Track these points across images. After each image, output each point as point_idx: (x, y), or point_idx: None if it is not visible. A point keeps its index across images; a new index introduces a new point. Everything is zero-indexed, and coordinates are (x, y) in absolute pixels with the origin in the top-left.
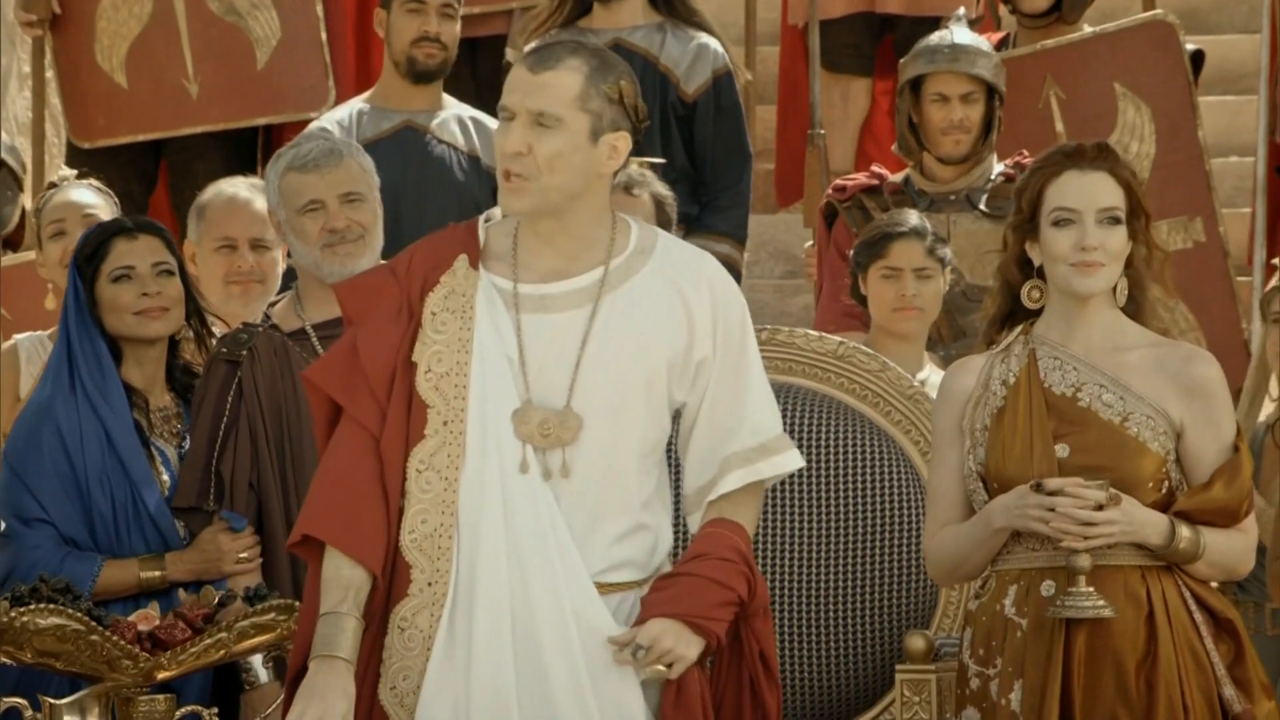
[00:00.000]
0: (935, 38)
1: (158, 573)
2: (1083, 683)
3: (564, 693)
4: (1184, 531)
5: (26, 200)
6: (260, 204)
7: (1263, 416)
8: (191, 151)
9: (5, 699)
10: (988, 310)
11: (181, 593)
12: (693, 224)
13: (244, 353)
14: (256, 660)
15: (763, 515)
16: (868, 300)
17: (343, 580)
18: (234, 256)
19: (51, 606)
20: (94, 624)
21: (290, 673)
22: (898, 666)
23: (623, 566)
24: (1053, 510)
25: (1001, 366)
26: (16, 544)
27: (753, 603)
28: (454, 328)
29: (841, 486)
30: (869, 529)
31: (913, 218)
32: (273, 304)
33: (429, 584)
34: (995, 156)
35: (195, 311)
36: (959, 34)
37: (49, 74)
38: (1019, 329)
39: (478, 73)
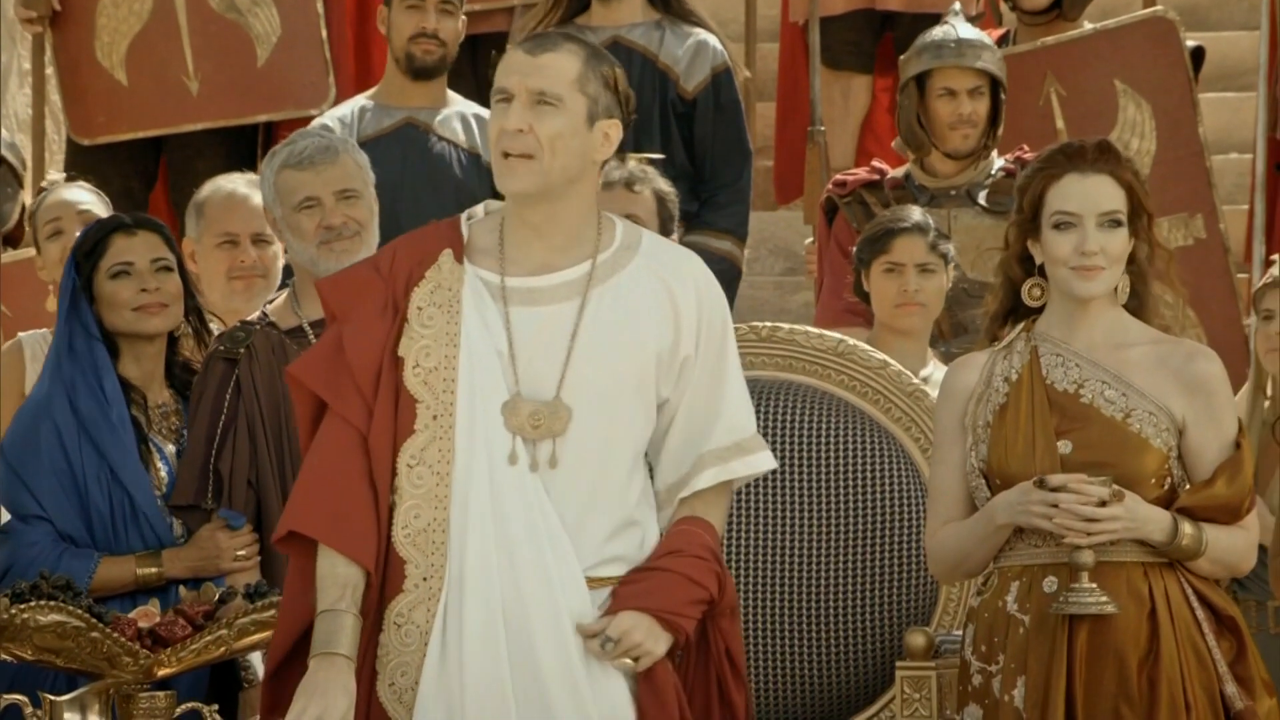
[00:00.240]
0: (939, 33)
1: (154, 570)
2: (1084, 679)
3: (558, 686)
4: (1186, 528)
5: (26, 197)
6: (259, 199)
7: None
8: (191, 149)
9: (5, 696)
10: (989, 307)
11: (182, 590)
12: (693, 221)
13: (242, 350)
14: (256, 657)
15: (763, 513)
16: (870, 296)
17: (339, 578)
18: (236, 251)
19: (52, 603)
20: (94, 621)
21: (269, 667)
22: (898, 663)
23: (614, 561)
24: (1056, 506)
25: (1004, 363)
26: (14, 541)
27: (721, 602)
28: (441, 322)
29: (841, 484)
30: (869, 526)
31: (915, 213)
32: (269, 301)
33: (424, 579)
34: (996, 151)
35: (194, 308)
36: (962, 28)
37: (49, 71)
38: (1021, 326)
39: (479, 70)
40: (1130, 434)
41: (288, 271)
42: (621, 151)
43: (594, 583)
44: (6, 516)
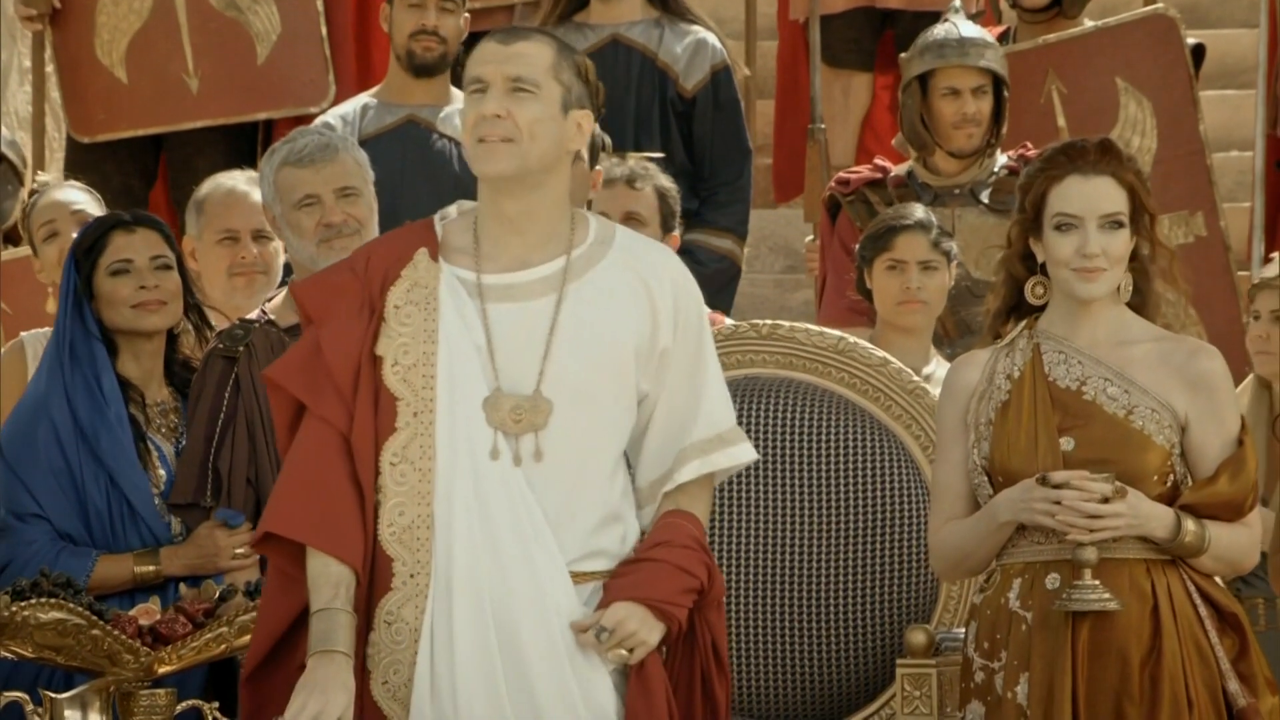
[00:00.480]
0: (940, 31)
1: (152, 568)
2: (1087, 676)
3: (545, 680)
4: (1189, 525)
5: (26, 195)
6: (259, 196)
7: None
8: (191, 146)
9: (6, 693)
10: (991, 304)
11: (182, 587)
12: (693, 219)
13: (241, 348)
14: None
15: (763, 511)
16: (872, 294)
17: (331, 577)
18: (237, 248)
19: (52, 601)
20: (95, 618)
21: (246, 670)
22: (898, 661)
23: (598, 555)
24: (1059, 504)
25: (1006, 361)
26: (12, 539)
27: (711, 592)
28: (418, 320)
29: (842, 481)
30: (869, 524)
31: (918, 210)
32: (269, 299)
33: (411, 576)
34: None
35: (193, 306)
36: (964, 27)
37: (49, 69)
38: (1023, 323)
39: None
40: (1133, 431)
41: (287, 269)
42: (622, 150)
43: (578, 577)
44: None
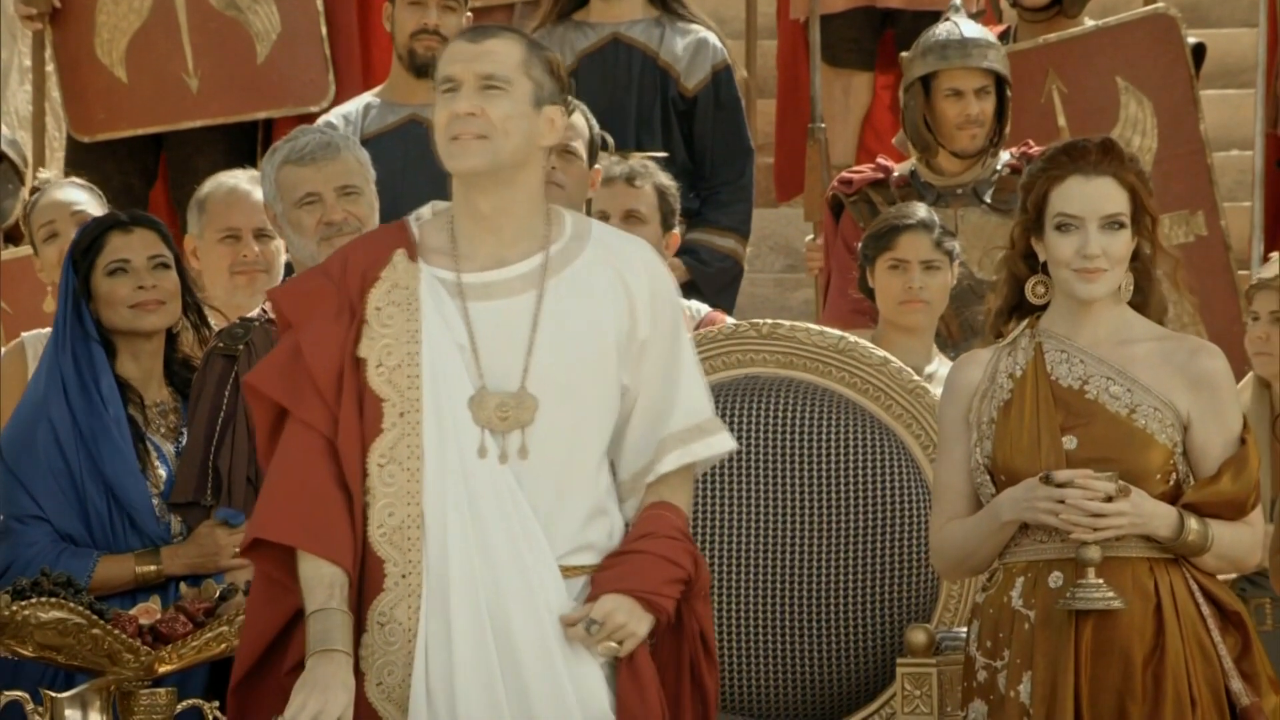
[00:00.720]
0: (942, 32)
1: (153, 567)
2: (1089, 675)
3: (538, 676)
4: (1192, 524)
5: (27, 194)
6: (260, 195)
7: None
8: (191, 146)
9: (6, 693)
10: (993, 303)
11: (183, 586)
12: (695, 219)
13: (240, 347)
14: None
15: (764, 510)
16: (875, 293)
17: (324, 578)
18: (239, 246)
19: (53, 600)
20: (95, 618)
21: (235, 678)
22: (899, 660)
23: (587, 550)
24: (1062, 502)
25: (1008, 359)
26: (13, 541)
27: (697, 582)
28: (400, 320)
29: (842, 481)
30: (870, 523)
31: (920, 210)
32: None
33: (403, 576)
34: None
35: (193, 305)
36: (966, 27)
37: (49, 68)
38: (1025, 322)
39: None
40: (1135, 430)
41: (288, 268)
42: (624, 150)
43: (568, 571)
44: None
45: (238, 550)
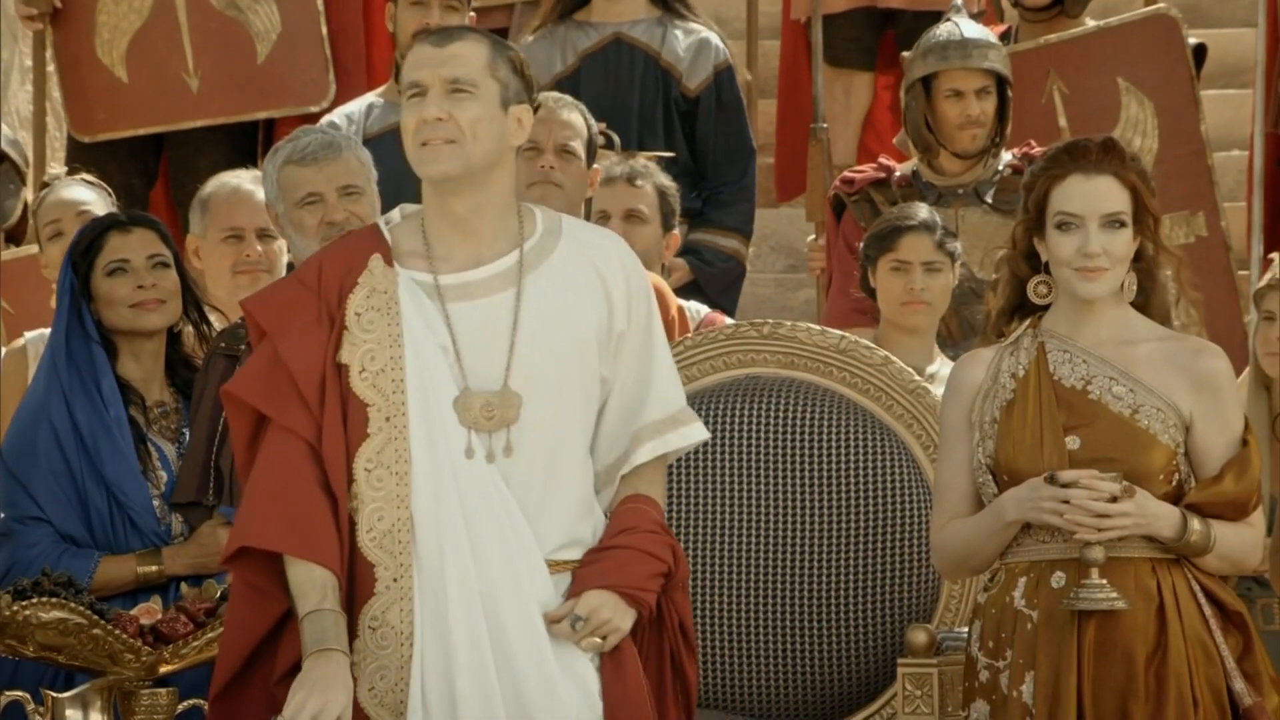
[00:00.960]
0: (943, 32)
1: (155, 568)
2: (1092, 675)
3: (531, 674)
4: (1195, 524)
5: (28, 194)
6: (262, 195)
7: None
8: (192, 146)
9: (7, 693)
10: (996, 303)
11: (184, 586)
12: (697, 219)
13: (242, 347)
14: None
15: (765, 510)
16: (876, 293)
17: (316, 581)
18: (242, 246)
19: (54, 600)
20: (96, 618)
21: (215, 688)
22: (900, 660)
23: (575, 545)
24: (1067, 503)
25: (1010, 359)
26: (14, 542)
27: (676, 574)
28: (382, 325)
29: (843, 481)
30: (871, 523)
31: (922, 211)
32: None
33: (394, 580)
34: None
35: (193, 304)
36: (967, 27)
37: (50, 68)
38: (1027, 322)
39: None
40: (1138, 430)
41: (290, 268)
42: (626, 149)
43: (558, 566)
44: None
45: (220, 559)
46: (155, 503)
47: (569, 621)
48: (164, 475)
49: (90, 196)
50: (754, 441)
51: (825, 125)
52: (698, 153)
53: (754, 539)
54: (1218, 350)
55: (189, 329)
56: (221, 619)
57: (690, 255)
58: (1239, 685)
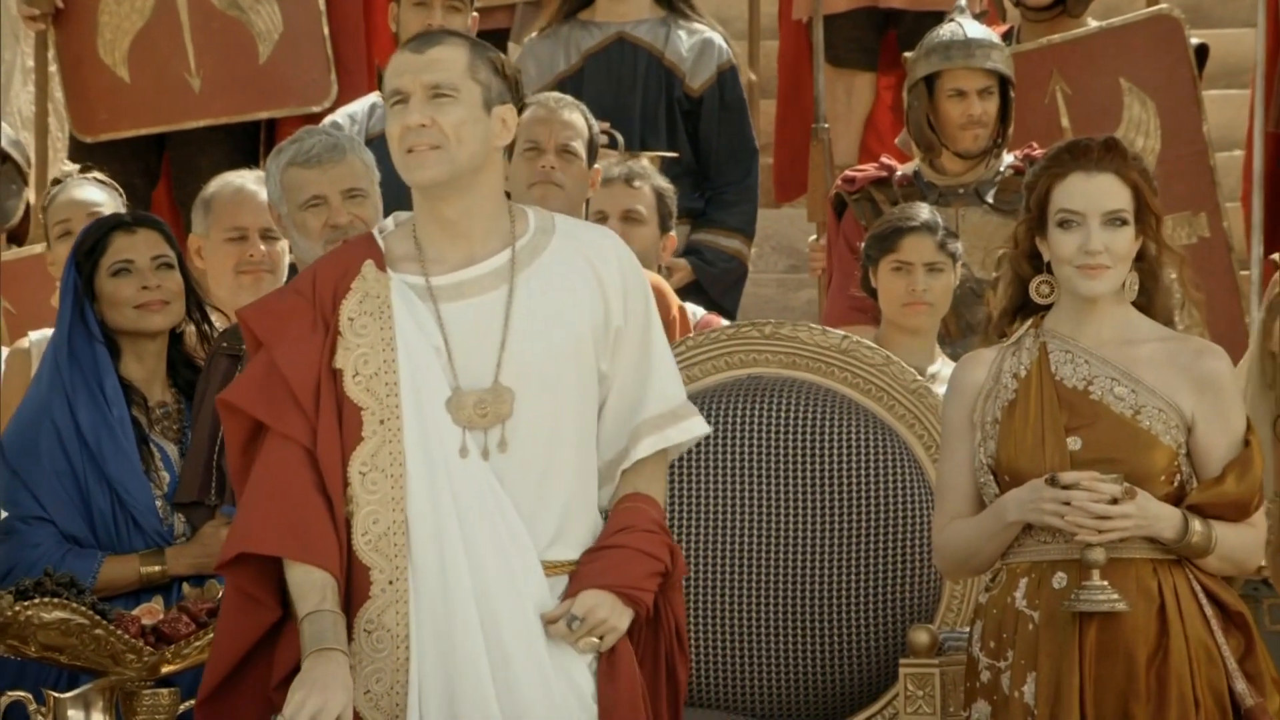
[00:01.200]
0: (946, 32)
1: (158, 568)
2: (1093, 676)
3: (527, 672)
4: (1196, 525)
5: (30, 194)
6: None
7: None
8: (194, 146)
9: (9, 693)
10: (999, 303)
11: (185, 586)
12: (700, 219)
13: (244, 347)
14: None
15: (767, 510)
16: (877, 293)
17: (315, 583)
18: (245, 245)
19: (56, 600)
20: (98, 618)
21: (204, 692)
22: (901, 660)
23: (571, 543)
24: (1068, 504)
25: (1012, 359)
26: (17, 542)
27: (673, 574)
28: (374, 329)
29: (845, 481)
30: (872, 523)
31: (924, 211)
32: None
33: (390, 582)
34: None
35: (196, 304)
36: (970, 27)
37: (52, 68)
38: (1029, 322)
39: None
40: (1140, 431)
41: (292, 269)
42: (630, 149)
43: (553, 568)
44: (2, 514)
45: (216, 564)
46: (158, 503)
47: (565, 621)
48: (166, 475)
49: (101, 198)
50: (755, 442)
51: (826, 125)
52: (700, 153)
53: (755, 539)
54: (1220, 351)
55: (191, 329)
56: None
57: (692, 255)
58: (1240, 686)
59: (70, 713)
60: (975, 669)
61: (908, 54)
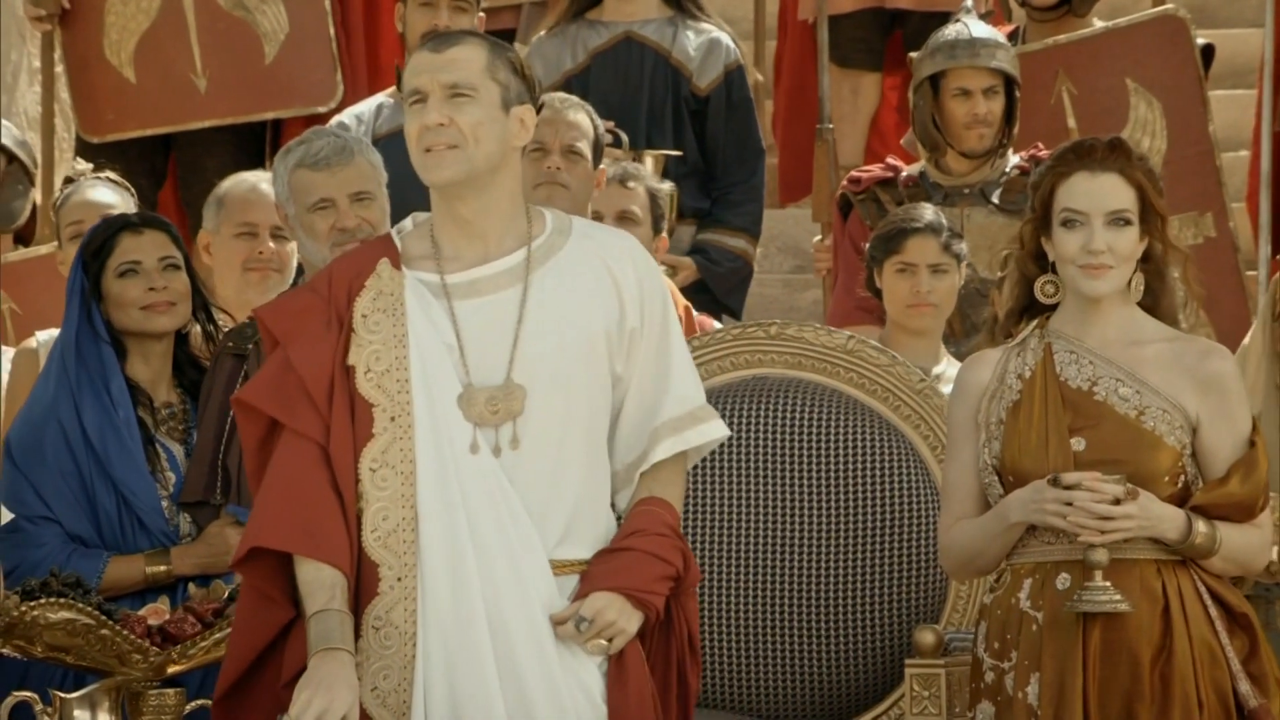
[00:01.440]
0: (951, 32)
1: (164, 567)
2: (1097, 677)
3: (533, 672)
4: (1200, 526)
5: (37, 195)
6: None
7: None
8: (200, 146)
9: (16, 693)
10: (1005, 303)
11: (191, 587)
12: (706, 219)
13: (249, 347)
14: None
15: (771, 510)
16: (882, 294)
17: (325, 581)
18: (255, 242)
19: (62, 600)
20: (104, 618)
21: (220, 690)
22: (907, 661)
23: (581, 543)
24: (1070, 505)
25: (1017, 360)
26: (23, 542)
27: (686, 579)
28: (387, 326)
29: (850, 481)
30: (878, 524)
31: (928, 213)
32: None
33: (399, 579)
34: (1011, 150)
35: (202, 306)
36: (975, 27)
37: (58, 69)
38: (1034, 323)
39: None
40: (1144, 431)
41: (299, 270)
42: (635, 148)
43: (563, 568)
44: (6, 514)
45: (231, 562)
46: (163, 503)
47: (574, 622)
48: (172, 476)
49: (114, 200)
50: (761, 442)
51: (831, 126)
52: (707, 152)
53: (759, 540)
54: (1225, 351)
55: (196, 329)
56: (229, 619)
57: (698, 255)
58: (1244, 687)
59: (76, 713)
60: (980, 670)
61: (913, 54)
